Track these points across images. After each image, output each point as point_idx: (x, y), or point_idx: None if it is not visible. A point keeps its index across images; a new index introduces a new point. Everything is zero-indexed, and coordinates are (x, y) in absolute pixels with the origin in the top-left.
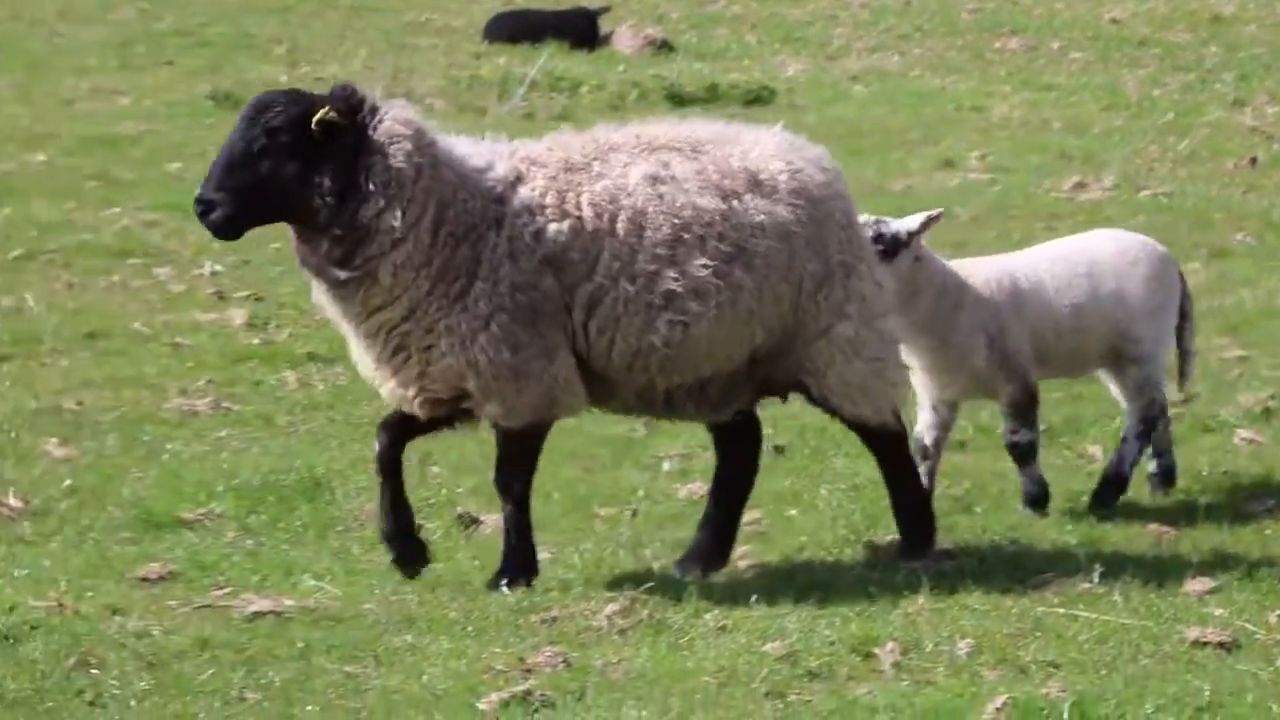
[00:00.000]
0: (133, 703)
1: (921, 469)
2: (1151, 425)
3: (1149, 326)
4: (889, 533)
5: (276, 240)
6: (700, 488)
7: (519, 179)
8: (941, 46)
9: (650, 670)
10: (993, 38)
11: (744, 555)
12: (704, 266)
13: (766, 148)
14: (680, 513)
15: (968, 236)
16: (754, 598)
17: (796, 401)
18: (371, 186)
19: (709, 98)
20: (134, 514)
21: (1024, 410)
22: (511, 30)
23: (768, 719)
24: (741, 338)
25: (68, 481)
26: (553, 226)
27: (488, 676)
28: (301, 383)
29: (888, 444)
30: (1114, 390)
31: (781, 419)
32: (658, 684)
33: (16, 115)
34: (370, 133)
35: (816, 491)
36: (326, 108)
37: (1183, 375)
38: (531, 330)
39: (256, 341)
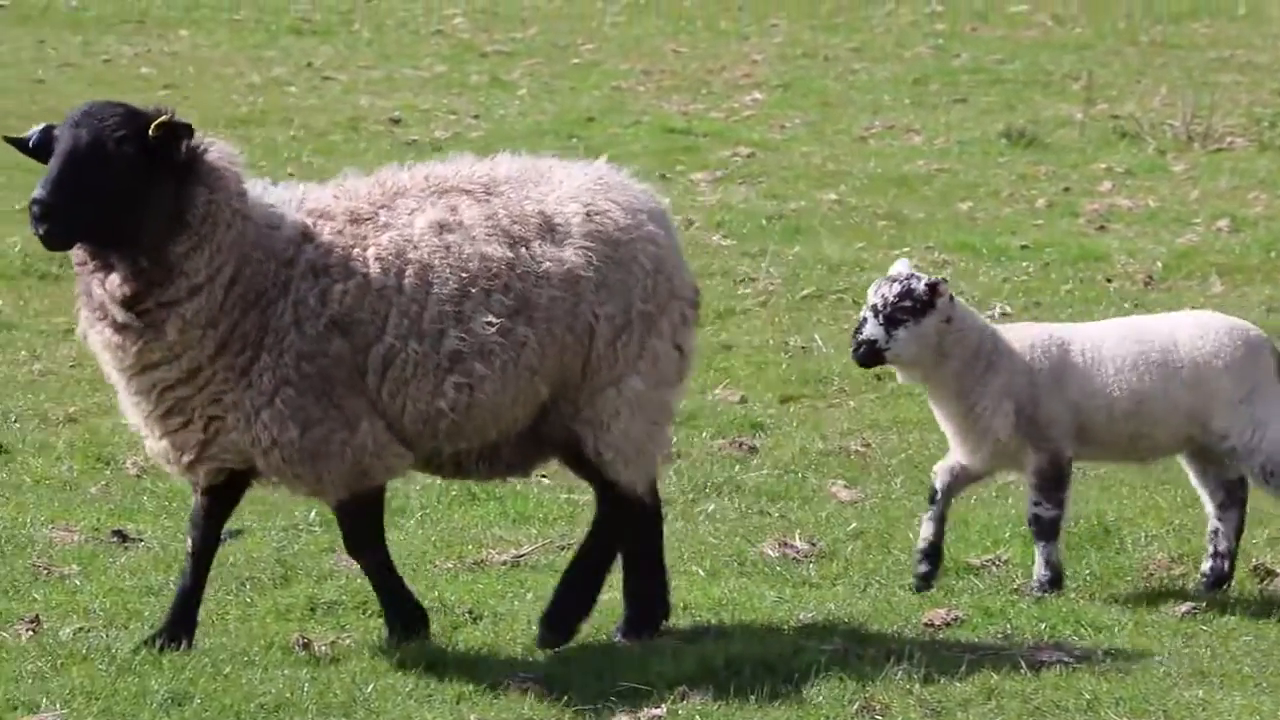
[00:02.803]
0: None
1: (927, 514)
2: None
3: (1234, 418)
4: None
5: None
6: None
7: (306, 237)
8: None
9: None
10: None
11: None
12: (488, 324)
13: (569, 189)
14: None
15: None
16: None
17: None
18: (189, 219)
19: None
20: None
21: (1050, 483)
22: None
23: None
24: (527, 396)
25: (853, 524)
26: (338, 287)
27: None
28: None
29: (641, 517)
30: (1194, 481)
31: None
32: None
33: (809, 153)
34: (197, 161)
35: None
36: (166, 115)
37: None
38: (324, 402)
39: None
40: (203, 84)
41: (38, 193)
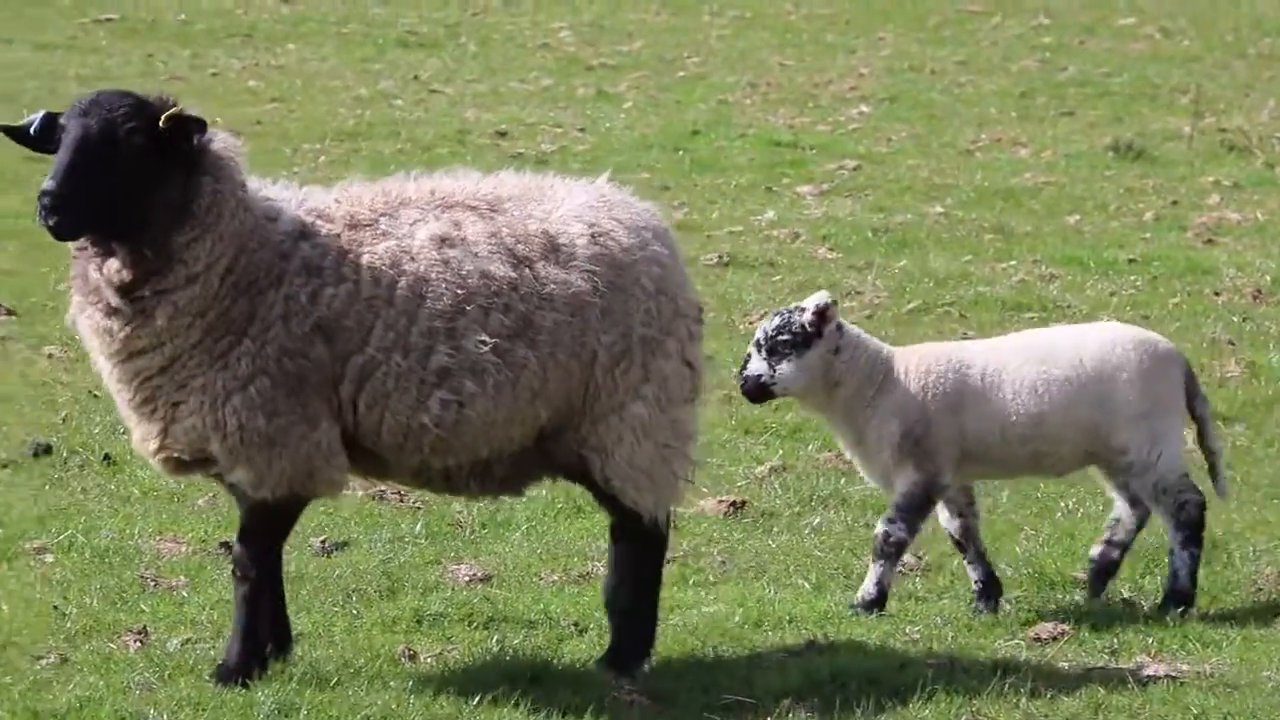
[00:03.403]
0: None
1: (966, 557)
2: (1194, 527)
3: (1134, 434)
4: None
5: None
6: None
7: (303, 233)
8: None
9: None
10: None
11: None
12: (482, 343)
13: (572, 207)
14: None
15: None
16: None
17: None
18: (194, 209)
19: None
20: (1026, 572)
21: (915, 507)
22: None
23: None
24: (524, 417)
25: None
26: (329, 290)
27: None
28: None
29: (649, 543)
30: (1110, 493)
31: None
32: None
33: (916, 166)
34: (203, 151)
35: None
36: (176, 106)
37: (1213, 476)
38: (293, 399)
39: None
40: (310, 97)
41: (48, 184)
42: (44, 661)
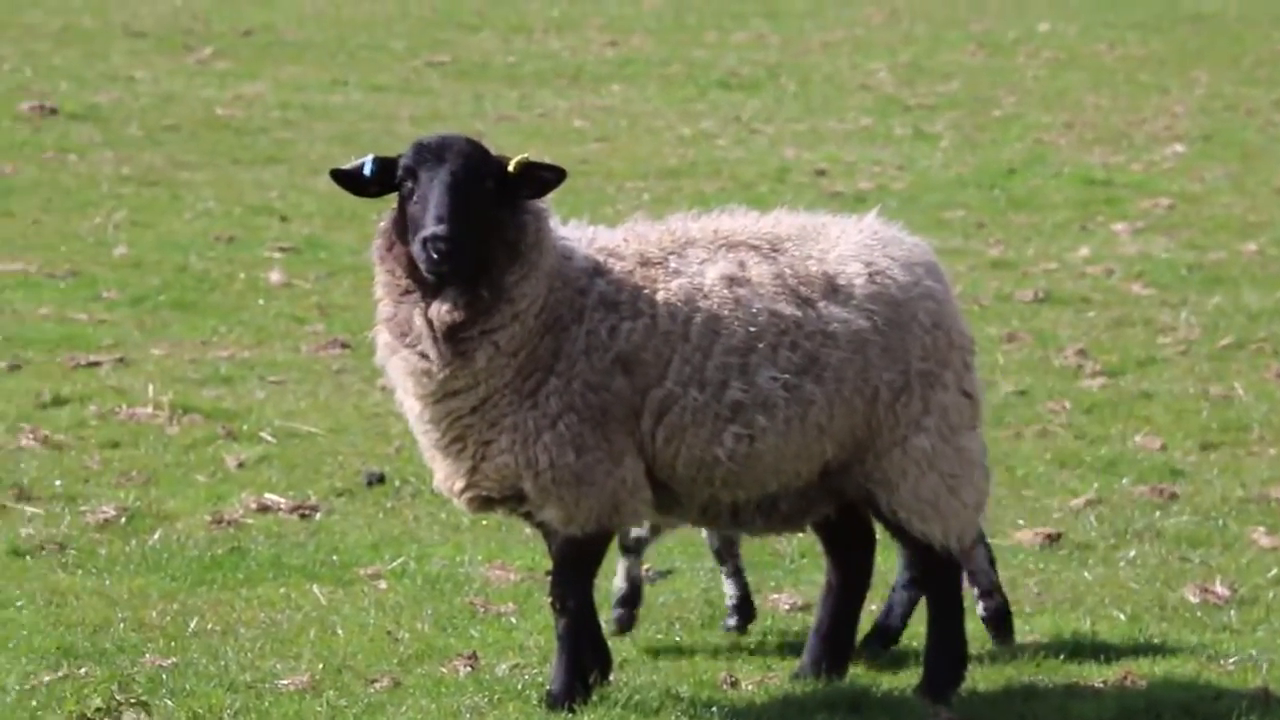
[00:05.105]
0: None
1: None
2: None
3: None
4: None
5: None
6: None
7: (597, 270)
8: None
9: None
10: None
11: None
12: (773, 379)
13: (847, 247)
14: None
15: None
16: None
17: None
18: (521, 247)
19: None
20: None
21: None
22: None
23: None
24: (811, 453)
25: (1274, 570)
26: (627, 324)
27: None
28: None
29: (943, 572)
30: None
31: None
32: None
33: (1230, 204)
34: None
35: None
36: (524, 154)
37: None
38: (598, 433)
39: None
40: (634, 136)
41: (438, 229)
42: (377, 685)
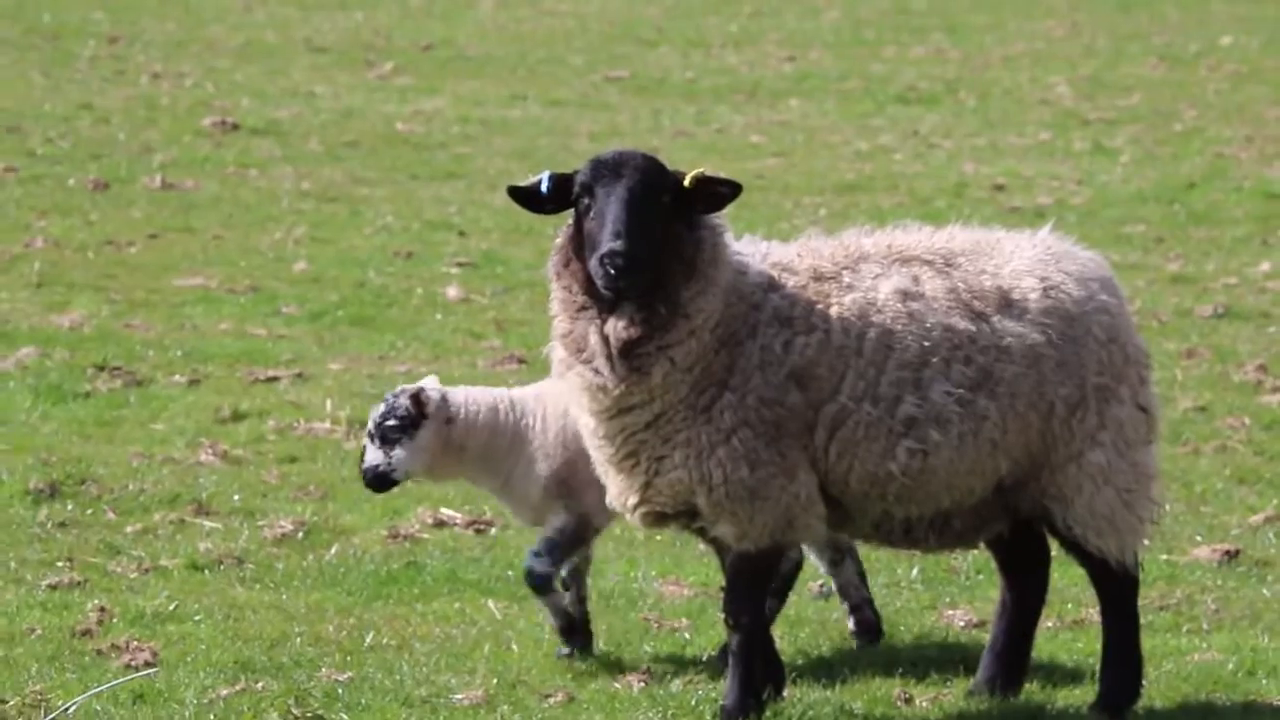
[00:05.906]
0: None
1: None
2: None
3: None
4: None
5: None
6: None
7: (771, 285)
8: None
9: None
10: None
11: None
12: (947, 393)
13: (1022, 262)
14: None
15: None
16: None
17: None
18: (698, 263)
19: None
20: None
21: (567, 542)
22: None
23: None
24: (984, 469)
25: None
26: (801, 339)
27: None
28: None
29: (1119, 587)
30: None
31: None
32: None
33: None
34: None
35: None
36: (700, 169)
37: None
38: (772, 448)
39: None
40: (811, 151)
41: (615, 245)
42: (551, 700)
